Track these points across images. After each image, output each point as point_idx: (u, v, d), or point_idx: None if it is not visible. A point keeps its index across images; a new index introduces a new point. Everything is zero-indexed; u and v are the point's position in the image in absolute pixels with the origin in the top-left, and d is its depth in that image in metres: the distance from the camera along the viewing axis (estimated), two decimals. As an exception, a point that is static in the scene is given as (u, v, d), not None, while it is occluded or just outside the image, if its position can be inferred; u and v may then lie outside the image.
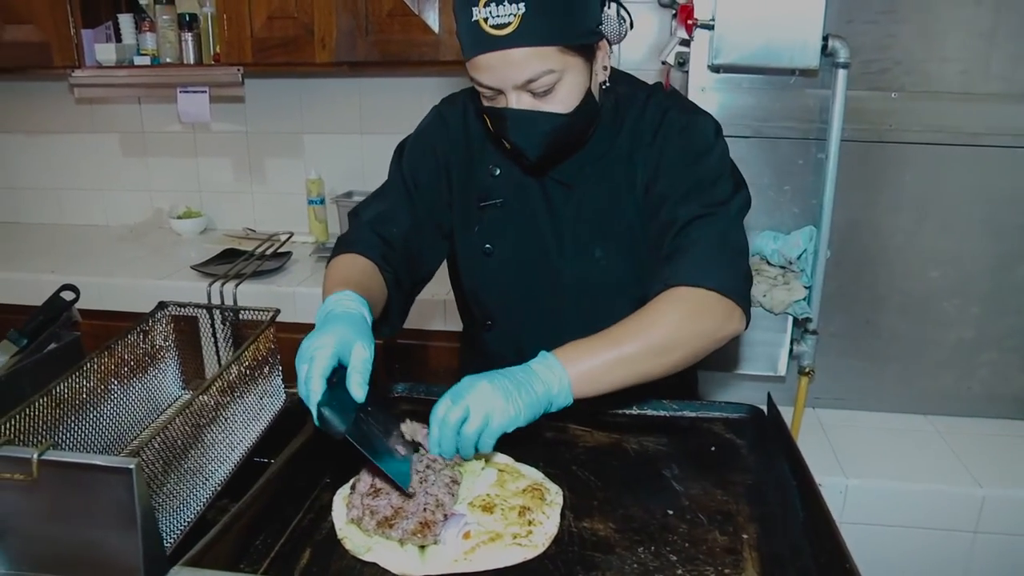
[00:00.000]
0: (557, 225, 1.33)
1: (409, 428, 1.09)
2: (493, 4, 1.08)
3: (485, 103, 1.21)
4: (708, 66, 1.57)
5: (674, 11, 2.15)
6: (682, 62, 1.71)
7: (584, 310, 1.33)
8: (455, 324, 1.60)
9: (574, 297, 1.34)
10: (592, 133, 1.28)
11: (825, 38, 1.49)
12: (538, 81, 1.13)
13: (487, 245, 1.35)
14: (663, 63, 2.23)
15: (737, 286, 1.16)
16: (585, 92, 1.18)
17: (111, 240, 3.10)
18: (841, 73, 1.52)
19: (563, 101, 1.17)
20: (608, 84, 1.26)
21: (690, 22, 1.53)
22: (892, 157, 1.63)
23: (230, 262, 2.68)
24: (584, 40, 1.15)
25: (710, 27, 1.50)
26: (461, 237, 1.39)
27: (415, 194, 1.37)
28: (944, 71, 1.59)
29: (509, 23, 1.08)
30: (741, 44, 1.49)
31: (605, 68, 1.24)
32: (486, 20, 1.09)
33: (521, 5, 1.08)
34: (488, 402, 1.01)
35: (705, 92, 1.59)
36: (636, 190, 1.28)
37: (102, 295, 2.51)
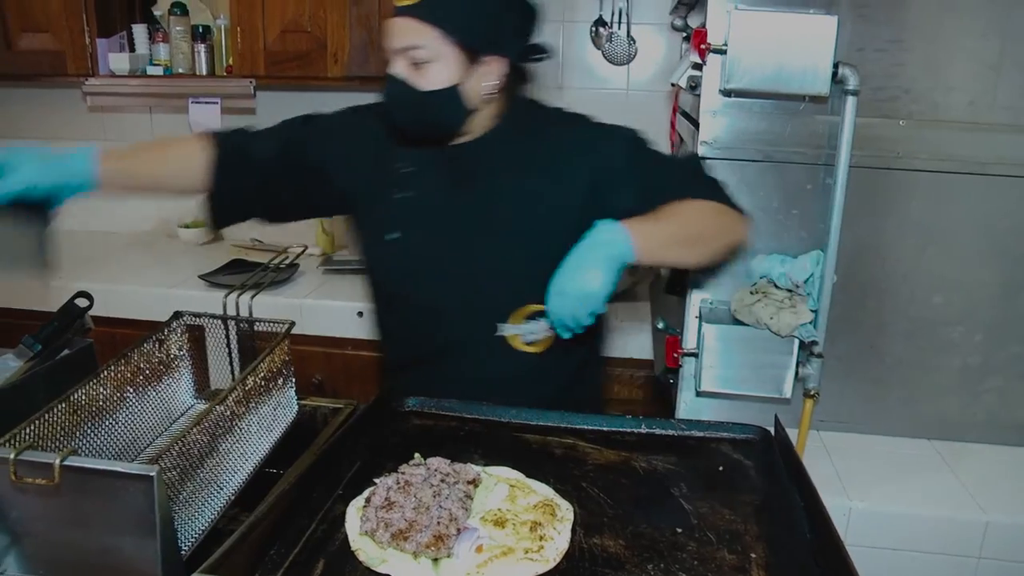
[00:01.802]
0: (464, 215, 1.45)
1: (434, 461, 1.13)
2: None
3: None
4: (720, 90, 1.59)
5: (685, 34, 2.18)
6: (694, 85, 1.73)
7: (488, 292, 1.44)
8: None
9: (479, 281, 1.45)
10: (459, 127, 1.41)
11: (836, 65, 1.51)
12: (409, 52, 1.30)
13: (396, 234, 1.46)
14: (673, 85, 2.25)
15: (737, 204, 1.41)
16: (452, 85, 1.32)
17: (118, 247, 3.12)
18: (850, 100, 1.54)
19: (430, 82, 1.32)
20: (491, 96, 1.38)
21: (703, 46, 1.55)
22: (899, 184, 1.65)
23: (237, 272, 2.70)
24: (469, 42, 1.31)
25: (723, 52, 1.52)
26: (370, 226, 1.52)
27: (291, 146, 1.52)
28: (951, 100, 1.61)
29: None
30: (753, 69, 1.51)
31: (492, 85, 1.37)
32: None
33: None
34: (588, 305, 1.22)
35: (716, 116, 1.61)
36: (569, 196, 1.42)
37: (108, 302, 2.52)
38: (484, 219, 1.44)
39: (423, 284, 1.48)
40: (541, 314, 1.33)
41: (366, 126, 1.52)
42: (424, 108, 1.35)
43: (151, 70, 2.85)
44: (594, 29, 2.73)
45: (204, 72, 2.83)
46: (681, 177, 1.45)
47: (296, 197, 1.55)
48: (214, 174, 1.47)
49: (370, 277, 1.58)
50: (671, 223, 1.31)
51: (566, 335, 1.29)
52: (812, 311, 1.59)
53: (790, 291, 1.62)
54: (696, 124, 1.67)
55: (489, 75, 1.35)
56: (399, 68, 1.33)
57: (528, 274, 1.32)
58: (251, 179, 1.50)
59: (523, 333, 1.38)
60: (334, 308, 2.44)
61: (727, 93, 1.58)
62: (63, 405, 1.08)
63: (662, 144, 2.70)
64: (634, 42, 2.70)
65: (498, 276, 1.44)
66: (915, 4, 1.57)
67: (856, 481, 1.58)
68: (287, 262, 1.42)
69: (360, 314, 2.38)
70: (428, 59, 1.30)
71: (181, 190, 1.52)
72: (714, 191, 1.41)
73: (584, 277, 1.21)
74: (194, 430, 1.02)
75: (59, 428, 1.07)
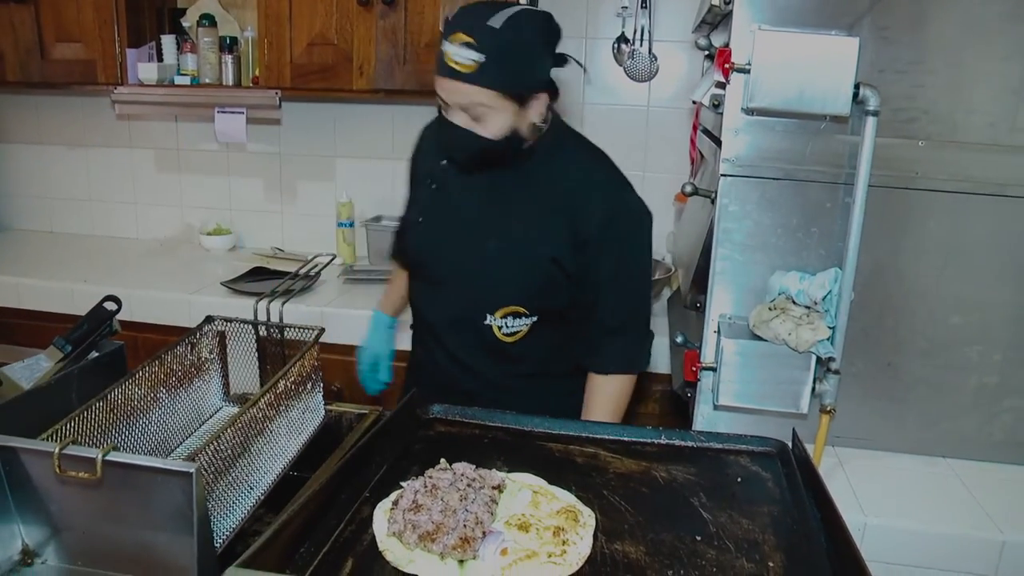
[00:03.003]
0: (471, 214, 1.66)
1: (460, 466, 1.16)
2: (459, 47, 1.42)
3: (440, 109, 1.55)
4: (742, 109, 1.61)
5: (708, 53, 2.21)
6: (717, 104, 1.76)
7: (477, 285, 1.67)
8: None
9: (472, 272, 1.67)
10: (514, 158, 1.58)
11: (857, 86, 1.53)
12: (472, 109, 1.47)
13: (420, 217, 1.72)
14: (694, 102, 2.28)
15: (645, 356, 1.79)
16: (510, 127, 1.50)
17: (141, 253, 3.17)
18: (871, 120, 1.56)
19: (488, 128, 1.49)
20: (543, 127, 1.58)
21: (727, 66, 1.57)
22: (917, 204, 1.67)
23: (259, 280, 2.74)
24: (519, 91, 1.49)
25: (746, 71, 1.55)
26: (410, 207, 1.81)
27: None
28: (971, 122, 1.63)
29: (468, 65, 1.42)
30: (776, 89, 1.53)
31: (541, 114, 1.56)
32: (450, 55, 1.43)
33: (482, 56, 1.41)
34: None
35: (738, 134, 1.64)
36: (554, 229, 1.61)
37: (132, 307, 2.56)
38: (485, 222, 1.65)
39: (430, 263, 1.72)
40: (519, 315, 1.64)
41: (428, 138, 1.79)
42: (482, 151, 1.54)
43: (179, 80, 2.90)
44: (616, 46, 2.77)
45: (230, 82, 2.88)
46: (615, 319, 1.71)
47: None
48: None
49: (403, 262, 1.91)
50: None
51: None
52: (830, 328, 1.61)
53: (808, 308, 1.64)
54: (718, 142, 1.70)
55: (538, 108, 1.54)
56: (458, 118, 1.50)
57: (509, 279, 1.63)
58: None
59: (501, 326, 1.65)
60: (355, 317, 2.47)
61: (750, 112, 1.61)
62: (100, 404, 1.11)
63: (681, 165, 2.75)
64: (656, 59, 2.74)
65: (486, 275, 1.65)
66: (936, 27, 1.59)
67: (872, 497, 1.59)
68: (316, 270, 1.45)
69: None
70: (487, 114, 1.48)
71: None
72: (635, 352, 1.76)
73: None
74: (228, 430, 1.05)
75: (96, 425, 1.10)
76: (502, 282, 1.64)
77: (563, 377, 1.78)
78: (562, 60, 1.58)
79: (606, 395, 1.73)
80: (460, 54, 1.42)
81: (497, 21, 1.43)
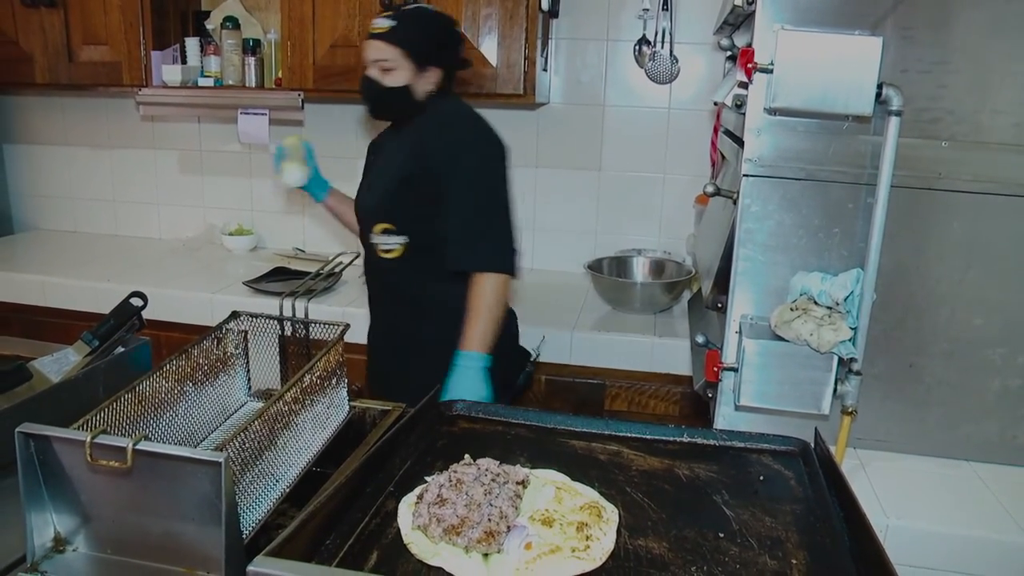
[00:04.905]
0: (379, 164, 2.14)
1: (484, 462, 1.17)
2: (379, 18, 1.94)
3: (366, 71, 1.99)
4: (765, 109, 1.61)
5: (730, 53, 2.21)
6: (739, 104, 1.76)
7: (368, 217, 2.07)
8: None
9: (367, 208, 2.10)
10: (407, 113, 2.01)
11: (880, 86, 1.53)
12: (379, 62, 1.92)
13: (361, 178, 2.22)
14: (715, 103, 2.28)
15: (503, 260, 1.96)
16: (405, 84, 1.94)
17: (164, 253, 3.20)
18: (894, 120, 1.55)
19: (390, 80, 1.93)
20: (432, 97, 1.99)
21: (750, 66, 1.57)
22: (941, 205, 1.66)
23: (280, 280, 2.76)
24: (417, 59, 1.93)
25: (769, 71, 1.55)
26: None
27: None
28: (996, 123, 1.62)
29: (383, 27, 1.91)
30: (798, 89, 1.53)
31: (434, 84, 1.98)
32: (372, 24, 1.94)
33: (393, 22, 1.91)
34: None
35: (761, 134, 1.64)
36: (410, 162, 1.98)
37: (154, 306, 2.58)
38: (381, 166, 2.11)
39: (357, 207, 2.16)
40: (389, 231, 1.99)
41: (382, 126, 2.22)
42: (381, 97, 1.97)
43: (202, 81, 2.93)
44: (637, 48, 2.77)
45: (253, 84, 2.90)
46: (455, 230, 1.95)
47: None
48: None
49: None
50: (483, 321, 1.89)
51: None
52: (852, 329, 1.61)
53: (830, 308, 1.63)
54: (740, 142, 1.70)
55: (431, 78, 1.98)
56: (373, 72, 1.95)
57: (378, 200, 2.05)
58: None
59: (379, 243, 2.01)
60: (375, 316, 2.48)
61: (772, 112, 1.61)
62: (129, 395, 1.13)
63: (702, 167, 2.74)
64: (677, 61, 2.74)
65: (371, 200, 2.08)
66: (960, 27, 1.58)
67: (894, 499, 1.58)
68: (340, 268, 1.46)
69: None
70: (392, 67, 1.92)
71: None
72: (464, 252, 1.95)
73: (469, 392, 1.81)
74: (256, 422, 1.06)
75: (125, 417, 1.12)
76: (375, 203, 2.06)
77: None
78: (465, 63, 2.07)
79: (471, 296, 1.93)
80: (378, 22, 1.92)
81: (408, 7, 2.00)
